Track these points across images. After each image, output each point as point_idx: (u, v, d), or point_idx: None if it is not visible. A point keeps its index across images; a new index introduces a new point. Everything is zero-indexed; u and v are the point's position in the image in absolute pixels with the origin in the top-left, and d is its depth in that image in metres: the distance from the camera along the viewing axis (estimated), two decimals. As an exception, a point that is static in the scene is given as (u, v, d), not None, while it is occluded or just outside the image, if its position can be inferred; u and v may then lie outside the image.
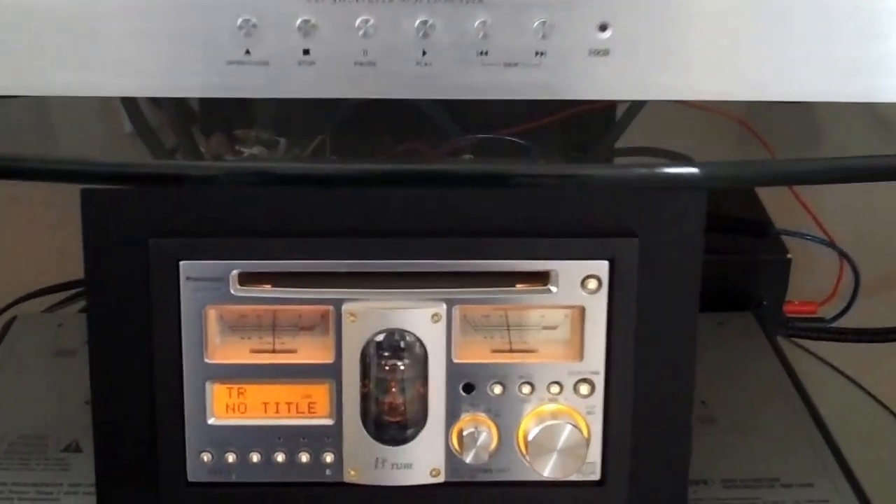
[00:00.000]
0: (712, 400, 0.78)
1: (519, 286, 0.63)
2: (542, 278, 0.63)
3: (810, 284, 0.98)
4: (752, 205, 1.03)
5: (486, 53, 0.54)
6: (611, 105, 0.67)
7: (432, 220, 0.62)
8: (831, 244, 0.97)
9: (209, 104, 0.64)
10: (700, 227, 0.62)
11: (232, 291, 0.62)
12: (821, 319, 0.98)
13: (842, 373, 0.94)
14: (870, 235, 1.02)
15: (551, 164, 0.61)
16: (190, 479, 0.64)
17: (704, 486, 0.72)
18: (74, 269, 0.68)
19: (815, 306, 0.99)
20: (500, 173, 0.58)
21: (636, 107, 0.65)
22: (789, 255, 0.96)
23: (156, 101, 0.64)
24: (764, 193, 0.97)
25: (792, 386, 0.84)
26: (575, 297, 0.63)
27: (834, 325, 0.96)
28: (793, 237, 0.96)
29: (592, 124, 0.67)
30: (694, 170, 0.57)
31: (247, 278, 0.62)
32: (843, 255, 0.98)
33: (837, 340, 0.99)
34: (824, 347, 0.97)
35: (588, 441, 0.63)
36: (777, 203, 0.96)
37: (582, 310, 0.63)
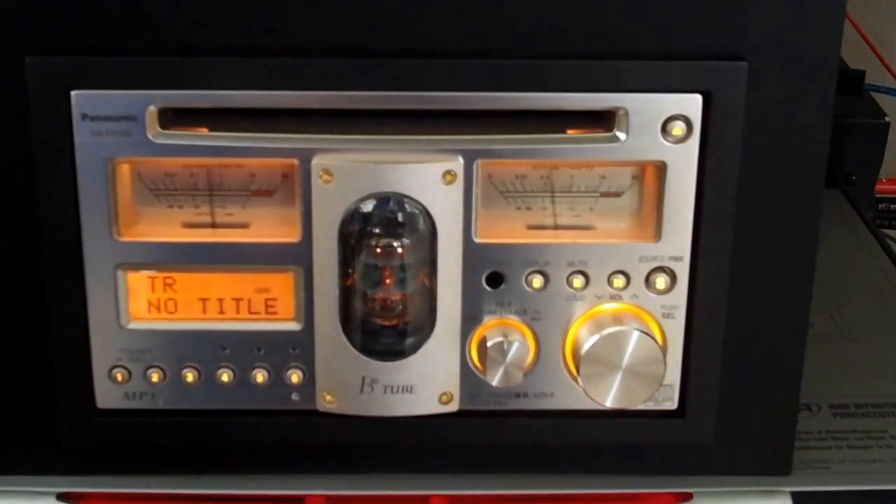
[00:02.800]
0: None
1: (570, 132, 0.55)
2: (604, 120, 0.55)
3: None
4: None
5: None
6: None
7: (445, 31, 0.54)
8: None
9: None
10: (836, 49, 0.54)
11: (150, 136, 0.54)
12: (915, 202, 0.97)
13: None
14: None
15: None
16: (99, 404, 0.57)
17: (808, 413, 0.64)
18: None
19: (905, 185, 0.99)
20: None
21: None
22: (887, 119, 0.90)
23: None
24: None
25: (905, 282, 0.78)
26: (652, 148, 0.54)
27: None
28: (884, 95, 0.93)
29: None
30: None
31: (172, 117, 0.54)
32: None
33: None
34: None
35: (664, 355, 0.56)
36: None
37: (661, 167, 0.55)
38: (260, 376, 0.57)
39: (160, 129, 0.54)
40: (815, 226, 0.56)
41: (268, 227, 0.56)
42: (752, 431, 0.59)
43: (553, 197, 0.56)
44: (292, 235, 0.55)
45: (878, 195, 0.93)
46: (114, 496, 0.58)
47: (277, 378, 0.57)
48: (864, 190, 0.90)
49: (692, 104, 0.54)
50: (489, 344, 0.56)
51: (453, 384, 0.57)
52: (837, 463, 0.60)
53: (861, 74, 0.90)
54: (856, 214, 0.86)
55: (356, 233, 0.55)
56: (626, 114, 0.54)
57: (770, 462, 0.59)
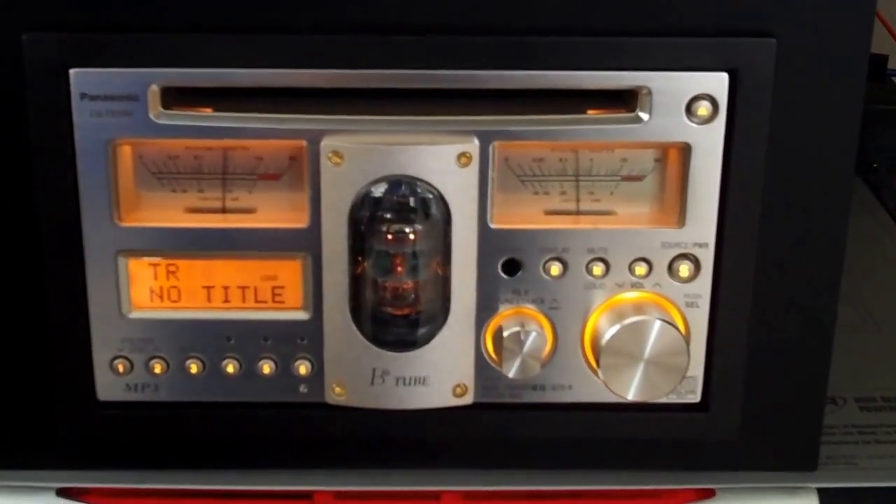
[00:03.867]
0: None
1: (591, 112, 0.54)
2: (626, 100, 0.54)
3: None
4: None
5: None
6: None
7: (459, 7, 0.53)
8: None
9: None
10: (869, 24, 0.53)
11: (152, 117, 0.53)
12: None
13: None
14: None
15: None
16: (100, 396, 0.57)
17: (834, 406, 0.64)
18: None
19: (926, 172, 0.99)
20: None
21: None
22: (911, 104, 0.93)
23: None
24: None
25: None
26: (676, 129, 0.54)
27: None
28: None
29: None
30: None
31: (175, 97, 0.54)
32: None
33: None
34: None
35: (688, 346, 0.55)
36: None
37: (685, 149, 0.54)
38: (267, 368, 0.56)
39: (162, 110, 0.53)
40: (845, 212, 0.55)
41: (275, 211, 0.55)
42: (777, 426, 0.58)
43: (572, 181, 0.55)
44: (300, 221, 0.55)
45: (897, 184, 0.93)
46: (115, 491, 0.58)
47: (285, 369, 0.56)
48: (886, 178, 0.89)
49: (718, 83, 0.53)
50: (505, 334, 0.55)
51: (468, 376, 0.57)
52: (865, 458, 0.60)
53: (884, 59, 0.90)
54: (878, 203, 0.85)
55: (367, 218, 0.55)
56: (650, 93, 0.53)
57: (795, 457, 0.59)
